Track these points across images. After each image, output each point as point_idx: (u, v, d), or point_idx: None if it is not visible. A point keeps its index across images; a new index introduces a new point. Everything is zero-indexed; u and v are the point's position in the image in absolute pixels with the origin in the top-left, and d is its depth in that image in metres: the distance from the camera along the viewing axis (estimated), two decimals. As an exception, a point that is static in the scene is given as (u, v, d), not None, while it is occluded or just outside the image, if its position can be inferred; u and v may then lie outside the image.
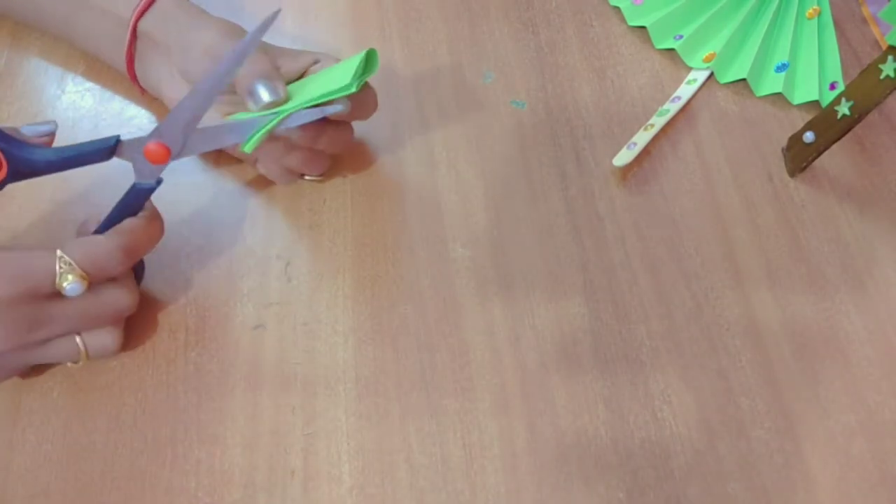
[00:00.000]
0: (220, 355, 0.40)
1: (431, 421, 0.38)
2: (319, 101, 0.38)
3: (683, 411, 0.40)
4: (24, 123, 0.45)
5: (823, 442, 0.39)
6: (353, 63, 0.39)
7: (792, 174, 0.48)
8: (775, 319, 0.43)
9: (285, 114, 0.38)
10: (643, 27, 0.53)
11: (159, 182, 0.37)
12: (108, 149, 0.35)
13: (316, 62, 0.42)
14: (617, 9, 0.55)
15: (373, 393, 0.39)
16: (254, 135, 0.37)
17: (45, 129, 0.36)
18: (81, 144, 0.35)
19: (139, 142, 0.36)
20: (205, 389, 0.39)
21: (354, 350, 0.40)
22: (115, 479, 0.36)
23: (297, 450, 0.37)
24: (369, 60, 0.40)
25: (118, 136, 0.35)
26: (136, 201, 0.37)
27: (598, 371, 0.40)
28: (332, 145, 0.43)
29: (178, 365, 0.39)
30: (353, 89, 0.38)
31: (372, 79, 0.49)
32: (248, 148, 0.38)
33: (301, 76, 0.42)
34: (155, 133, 0.36)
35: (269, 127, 0.37)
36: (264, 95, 0.38)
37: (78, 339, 0.36)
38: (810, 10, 0.51)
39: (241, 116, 0.39)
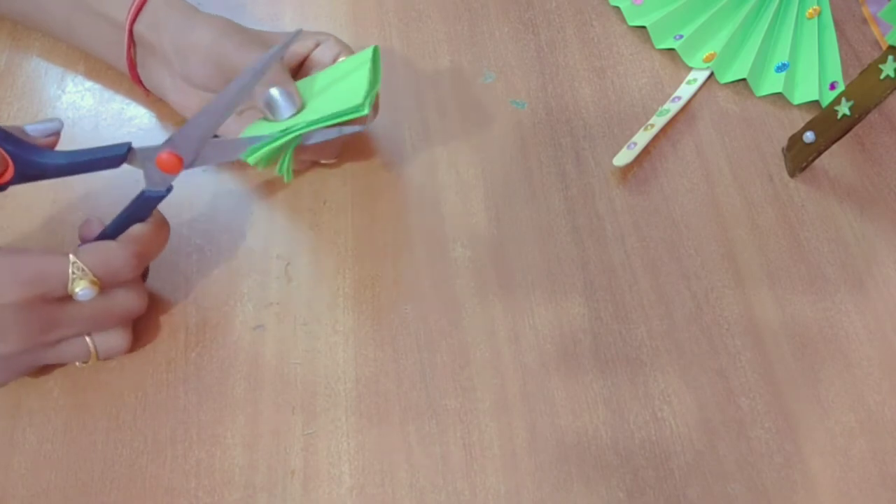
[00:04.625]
0: (220, 355, 0.40)
1: (431, 421, 0.38)
2: (332, 122, 0.37)
3: (683, 411, 0.40)
4: (25, 123, 0.46)
5: (823, 442, 0.39)
6: (361, 69, 0.39)
7: (792, 174, 0.48)
8: (775, 319, 0.43)
9: (296, 132, 0.37)
10: (643, 27, 0.53)
11: (169, 190, 0.37)
12: (120, 156, 0.35)
13: (317, 45, 0.42)
14: (617, 9, 0.55)
15: (373, 393, 0.39)
16: (259, 147, 0.37)
17: (50, 127, 0.35)
18: (93, 150, 0.35)
19: (151, 150, 0.36)
20: (205, 389, 0.39)
21: (354, 350, 0.40)
22: (115, 479, 0.36)
23: (297, 450, 0.37)
24: (374, 62, 0.40)
25: (130, 143, 0.35)
26: (144, 208, 0.37)
27: (598, 371, 0.40)
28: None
29: (178, 365, 0.39)
30: (366, 111, 0.37)
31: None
32: (252, 160, 0.37)
33: (304, 60, 0.43)
34: (168, 143, 0.36)
35: (277, 143, 0.37)
36: (283, 105, 0.38)
37: (88, 339, 0.36)
38: (810, 10, 0.51)
39: (255, 131, 0.39)
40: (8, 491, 0.36)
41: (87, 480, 0.36)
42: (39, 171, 0.34)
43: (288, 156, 0.39)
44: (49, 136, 0.35)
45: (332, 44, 0.43)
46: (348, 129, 0.38)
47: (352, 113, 0.37)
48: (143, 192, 0.36)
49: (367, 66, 0.39)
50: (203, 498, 0.36)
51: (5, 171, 0.34)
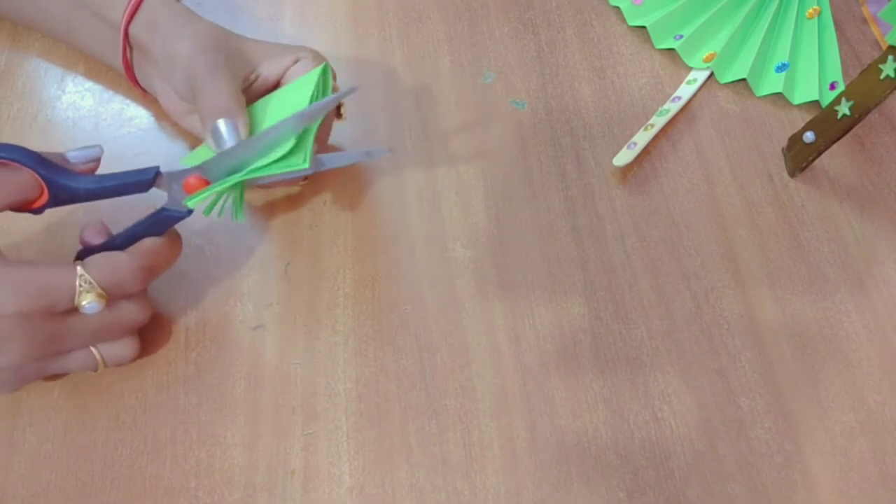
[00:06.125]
0: (220, 355, 0.40)
1: (431, 421, 0.38)
2: (272, 172, 0.36)
3: (683, 411, 0.40)
4: (25, 125, 0.46)
5: (823, 442, 0.39)
6: (307, 87, 0.38)
7: (792, 174, 0.48)
8: (775, 319, 0.43)
9: (235, 180, 0.36)
10: (643, 27, 0.53)
11: (190, 212, 0.37)
12: (148, 180, 0.36)
13: (296, 61, 0.41)
14: (617, 9, 0.55)
15: (373, 393, 0.39)
16: (199, 194, 0.36)
17: (90, 154, 0.36)
18: (122, 174, 0.35)
19: (179, 174, 0.36)
20: (205, 389, 0.39)
21: (354, 350, 0.40)
22: (115, 479, 0.36)
23: (297, 450, 0.37)
24: (325, 82, 0.39)
25: (158, 167, 0.36)
26: (161, 225, 0.37)
27: (598, 371, 0.40)
28: None
29: (178, 365, 0.39)
30: (306, 164, 0.36)
31: (371, 78, 0.50)
32: (192, 204, 0.36)
33: (279, 79, 0.42)
34: (198, 168, 0.36)
35: (216, 189, 0.36)
36: (227, 137, 0.37)
37: (94, 350, 0.36)
38: (810, 10, 0.51)
39: (196, 159, 0.37)
40: (8, 491, 0.36)
41: (87, 480, 0.36)
42: (71, 195, 0.35)
43: (239, 199, 0.37)
44: (88, 163, 0.36)
45: (309, 60, 0.41)
46: (377, 153, 0.41)
47: (293, 167, 0.36)
48: (162, 210, 0.36)
49: (315, 92, 0.38)
50: (203, 498, 0.36)
51: (41, 195, 0.34)
